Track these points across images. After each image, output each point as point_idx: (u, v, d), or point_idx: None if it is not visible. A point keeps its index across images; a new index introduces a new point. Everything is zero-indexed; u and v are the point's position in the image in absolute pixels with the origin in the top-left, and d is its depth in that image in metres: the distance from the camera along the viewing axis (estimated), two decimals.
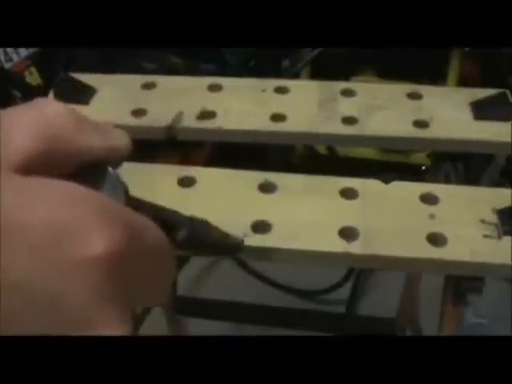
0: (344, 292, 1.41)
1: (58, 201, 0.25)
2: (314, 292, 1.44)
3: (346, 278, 1.43)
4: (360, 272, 1.44)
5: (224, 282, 1.42)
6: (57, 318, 0.26)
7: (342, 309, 1.40)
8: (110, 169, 0.27)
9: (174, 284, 1.13)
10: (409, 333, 1.16)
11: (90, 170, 0.27)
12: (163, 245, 0.29)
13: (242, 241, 0.36)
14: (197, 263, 1.43)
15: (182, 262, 1.30)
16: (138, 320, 1.17)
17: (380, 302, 1.34)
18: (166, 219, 0.29)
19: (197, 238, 0.32)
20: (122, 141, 0.32)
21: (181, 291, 1.19)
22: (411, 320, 1.14)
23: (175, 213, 0.32)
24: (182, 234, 0.29)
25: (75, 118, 0.29)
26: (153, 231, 0.28)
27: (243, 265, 1.42)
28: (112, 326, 0.28)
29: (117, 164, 0.30)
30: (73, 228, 0.25)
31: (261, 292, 1.40)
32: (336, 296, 1.43)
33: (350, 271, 1.43)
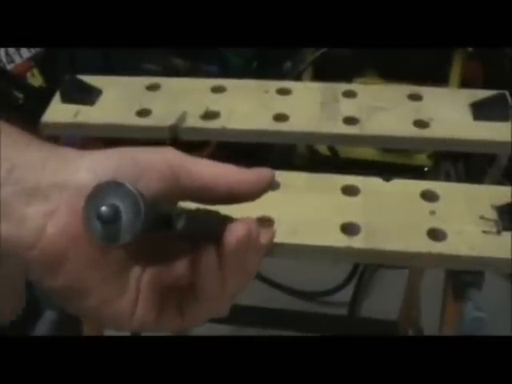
0: (346, 294, 1.42)
1: None
2: (316, 293, 1.45)
3: (348, 280, 1.43)
4: (362, 273, 1.44)
5: None
6: None
7: (343, 311, 1.40)
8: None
9: None
10: (411, 334, 1.16)
11: None
12: None
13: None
14: None
15: None
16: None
17: (382, 304, 1.34)
18: (163, 213, 0.31)
19: (195, 224, 0.33)
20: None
21: None
22: (413, 321, 1.15)
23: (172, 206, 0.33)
24: (180, 223, 0.31)
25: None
26: None
27: None
28: None
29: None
30: None
31: (262, 294, 1.41)
32: (338, 298, 1.43)
33: (353, 273, 1.43)
